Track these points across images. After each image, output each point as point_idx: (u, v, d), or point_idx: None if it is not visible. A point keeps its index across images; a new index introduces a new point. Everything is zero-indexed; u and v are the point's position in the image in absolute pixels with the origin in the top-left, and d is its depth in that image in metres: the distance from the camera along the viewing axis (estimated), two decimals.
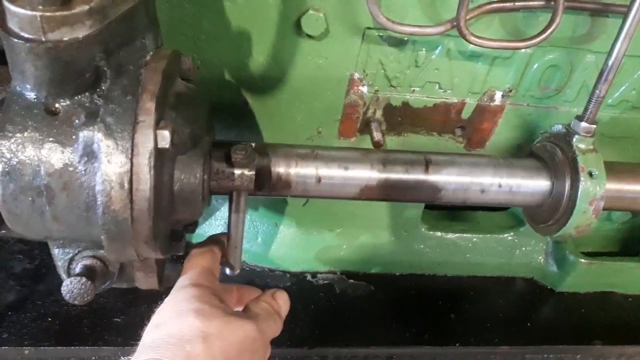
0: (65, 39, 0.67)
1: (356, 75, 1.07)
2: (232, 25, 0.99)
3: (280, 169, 0.92)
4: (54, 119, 0.71)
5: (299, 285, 1.36)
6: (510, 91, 1.12)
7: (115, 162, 0.69)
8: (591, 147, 1.00)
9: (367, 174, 0.96)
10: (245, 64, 1.04)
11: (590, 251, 1.44)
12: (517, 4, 0.97)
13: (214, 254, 0.90)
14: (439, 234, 1.42)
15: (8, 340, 1.13)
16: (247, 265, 1.39)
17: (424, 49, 1.04)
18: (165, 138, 0.70)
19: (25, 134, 0.70)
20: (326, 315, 1.30)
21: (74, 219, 0.74)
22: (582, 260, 1.39)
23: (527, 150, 1.12)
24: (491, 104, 1.14)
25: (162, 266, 0.92)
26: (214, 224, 1.38)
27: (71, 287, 0.78)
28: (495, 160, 1.02)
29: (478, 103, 1.14)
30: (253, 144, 0.89)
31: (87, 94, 0.73)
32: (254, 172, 0.87)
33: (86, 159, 0.70)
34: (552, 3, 0.94)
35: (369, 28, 0.99)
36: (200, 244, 0.92)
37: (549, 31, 0.95)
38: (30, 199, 0.72)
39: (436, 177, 0.98)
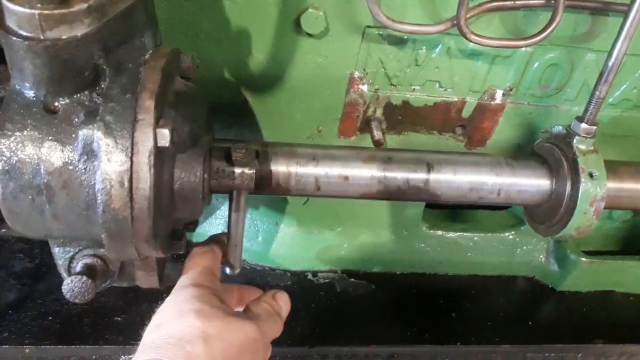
0: (64, 37, 0.67)
1: (356, 74, 1.06)
2: (232, 24, 0.98)
3: (280, 168, 0.92)
4: (54, 118, 0.71)
5: (299, 284, 1.36)
6: (511, 90, 1.12)
7: (115, 160, 0.69)
8: (591, 148, 1.00)
9: (368, 173, 0.96)
10: (245, 63, 1.04)
11: (591, 250, 1.44)
12: (517, 2, 0.96)
13: (215, 253, 0.90)
14: (439, 232, 1.42)
15: (9, 339, 1.13)
16: (248, 264, 1.39)
17: (424, 47, 1.03)
18: (165, 136, 0.70)
19: (25, 132, 0.70)
20: (327, 314, 1.30)
21: (74, 218, 0.74)
22: (583, 259, 1.39)
23: (528, 150, 1.12)
24: (492, 102, 1.14)
25: (163, 265, 0.92)
26: (214, 222, 1.38)
27: (72, 286, 0.78)
28: (496, 160, 1.02)
29: (478, 102, 1.14)
30: (253, 143, 0.88)
31: (86, 92, 0.73)
32: (254, 171, 0.87)
33: (86, 157, 0.70)
34: (553, 2, 0.94)
35: (369, 26, 0.99)
36: (201, 244, 0.92)
37: (549, 30, 0.94)
38: (30, 197, 0.72)
39: (437, 176, 0.98)
